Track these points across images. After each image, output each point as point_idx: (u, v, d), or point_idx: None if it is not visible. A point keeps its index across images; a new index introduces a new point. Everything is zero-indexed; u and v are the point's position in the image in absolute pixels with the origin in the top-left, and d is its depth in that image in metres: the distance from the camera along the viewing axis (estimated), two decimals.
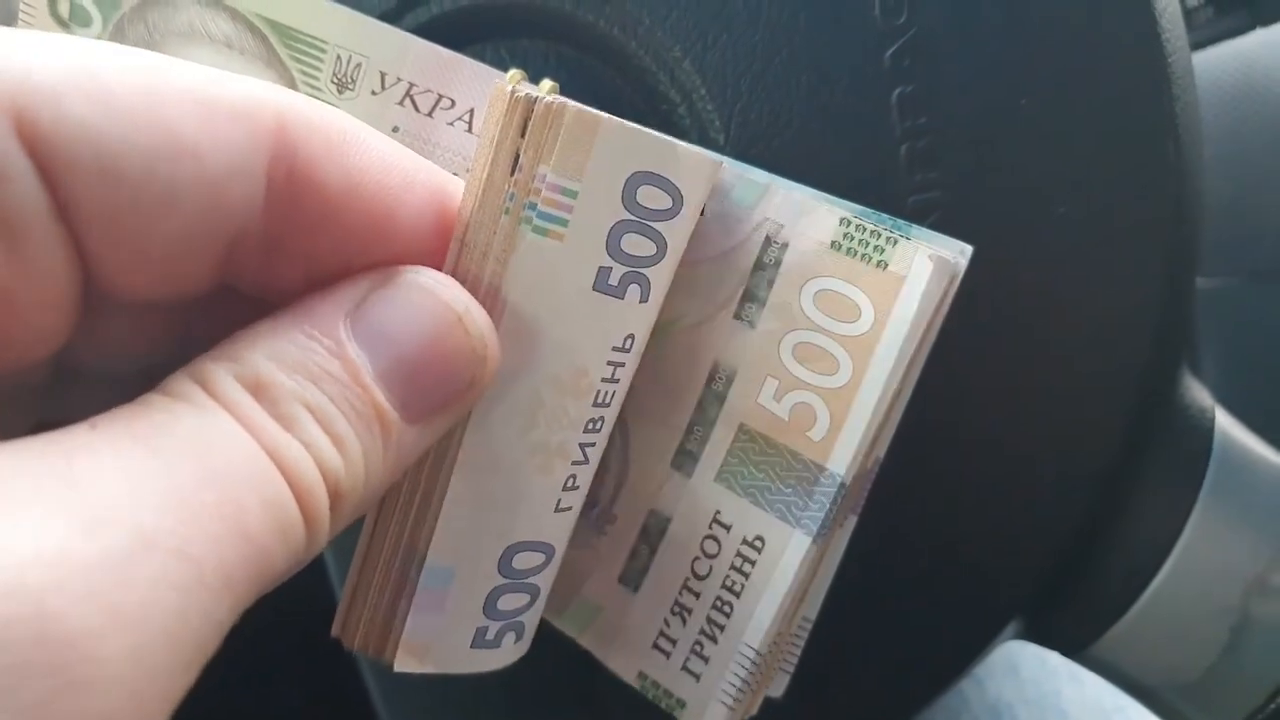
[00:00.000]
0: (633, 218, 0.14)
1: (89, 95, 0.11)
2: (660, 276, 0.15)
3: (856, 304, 0.15)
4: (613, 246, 0.14)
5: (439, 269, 0.14)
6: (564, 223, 0.14)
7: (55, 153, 0.11)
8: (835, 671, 0.21)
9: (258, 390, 0.12)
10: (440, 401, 0.13)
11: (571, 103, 0.14)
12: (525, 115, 0.14)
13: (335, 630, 0.16)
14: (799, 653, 0.19)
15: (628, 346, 0.15)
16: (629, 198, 0.14)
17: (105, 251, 0.12)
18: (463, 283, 0.14)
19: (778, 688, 0.19)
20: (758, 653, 0.16)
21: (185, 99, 0.12)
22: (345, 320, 0.13)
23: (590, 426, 0.16)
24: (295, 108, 0.13)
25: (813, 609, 0.19)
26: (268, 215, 0.13)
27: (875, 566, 0.20)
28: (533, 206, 0.14)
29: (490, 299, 0.14)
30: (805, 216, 0.16)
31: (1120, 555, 0.21)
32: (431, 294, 0.13)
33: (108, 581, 0.09)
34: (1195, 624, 0.20)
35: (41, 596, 0.09)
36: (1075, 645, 0.22)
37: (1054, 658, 0.23)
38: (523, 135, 0.14)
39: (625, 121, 0.14)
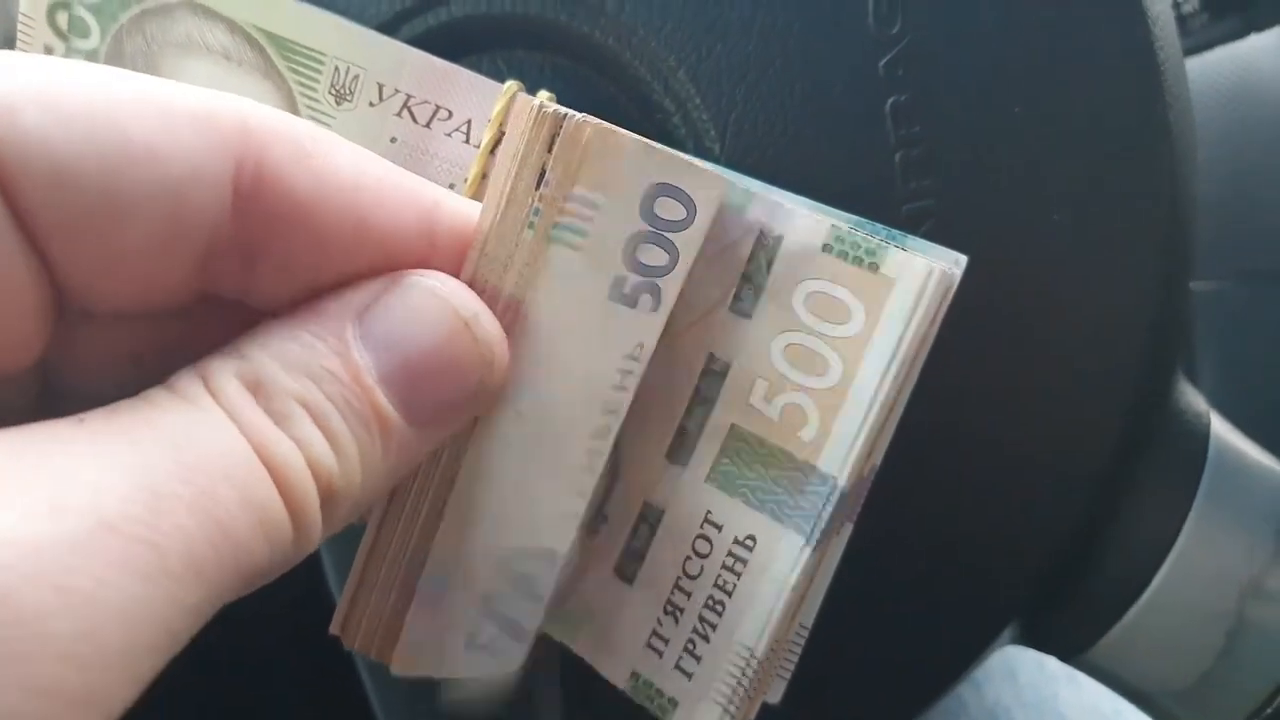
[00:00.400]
0: (649, 228, 0.15)
1: (43, 105, 0.11)
2: (671, 286, 0.15)
3: (847, 305, 0.16)
4: (628, 257, 0.15)
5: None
6: (583, 233, 0.14)
7: (11, 162, 0.11)
8: (832, 676, 0.21)
9: (256, 387, 0.12)
10: (445, 406, 0.13)
11: (594, 120, 0.14)
12: (553, 131, 0.14)
13: (334, 629, 0.16)
14: (796, 658, 0.19)
15: (637, 355, 0.16)
16: (646, 209, 0.15)
17: (70, 259, 0.12)
18: (480, 293, 0.14)
19: (775, 693, 0.19)
20: (752, 652, 0.16)
21: (141, 106, 0.12)
22: (352, 321, 0.13)
23: (598, 433, 0.16)
24: (258, 115, 0.13)
25: (809, 615, 0.19)
26: (238, 222, 0.13)
27: (872, 570, 0.20)
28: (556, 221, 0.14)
29: (511, 310, 0.14)
30: (797, 224, 0.16)
31: (1116, 560, 0.21)
32: (440, 298, 0.13)
33: (60, 563, 0.09)
34: (1191, 628, 0.21)
35: None
36: (1071, 650, 0.22)
37: (1052, 662, 0.23)
38: (549, 150, 0.14)
39: (647, 141, 0.14)
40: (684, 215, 0.15)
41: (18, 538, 0.09)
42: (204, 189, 0.12)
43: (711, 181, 0.15)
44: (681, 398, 0.17)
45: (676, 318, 0.17)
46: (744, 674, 0.17)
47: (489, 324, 0.14)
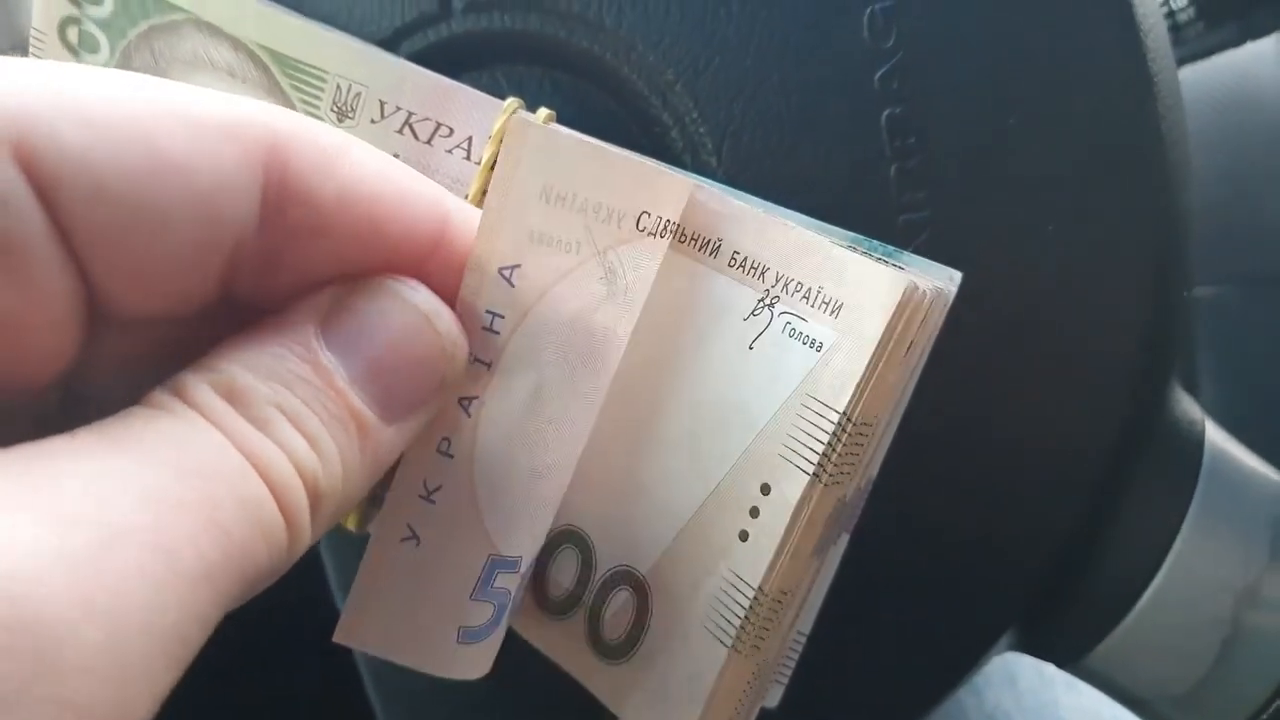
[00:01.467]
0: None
1: (83, 120, 0.11)
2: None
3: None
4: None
5: (439, 282, 0.14)
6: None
7: (52, 177, 0.11)
8: (832, 681, 0.21)
9: (231, 396, 0.12)
10: (415, 401, 0.14)
11: (552, 125, 0.14)
12: None
13: (338, 638, 0.16)
14: (794, 664, 0.19)
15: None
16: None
17: (106, 271, 0.12)
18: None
19: (773, 698, 0.19)
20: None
21: (175, 120, 0.12)
22: (316, 327, 0.13)
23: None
24: (286, 123, 0.13)
25: (807, 622, 0.19)
26: (263, 229, 0.13)
27: (870, 576, 0.20)
28: None
29: None
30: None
31: (1112, 568, 0.21)
32: (399, 297, 0.14)
33: (80, 573, 0.09)
34: (1187, 635, 0.21)
35: (12, 584, 0.09)
36: (1068, 656, 0.22)
37: (1051, 667, 0.23)
38: None
39: (587, 143, 0.15)
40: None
41: (36, 551, 0.09)
42: (234, 198, 0.12)
43: (674, 187, 0.15)
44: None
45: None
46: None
47: (448, 318, 0.14)
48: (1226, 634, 0.20)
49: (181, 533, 0.10)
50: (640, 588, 0.17)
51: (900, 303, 0.15)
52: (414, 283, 0.14)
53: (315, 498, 0.12)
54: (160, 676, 0.10)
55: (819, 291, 0.16)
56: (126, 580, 0.10)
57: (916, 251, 0.16)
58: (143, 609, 0.10)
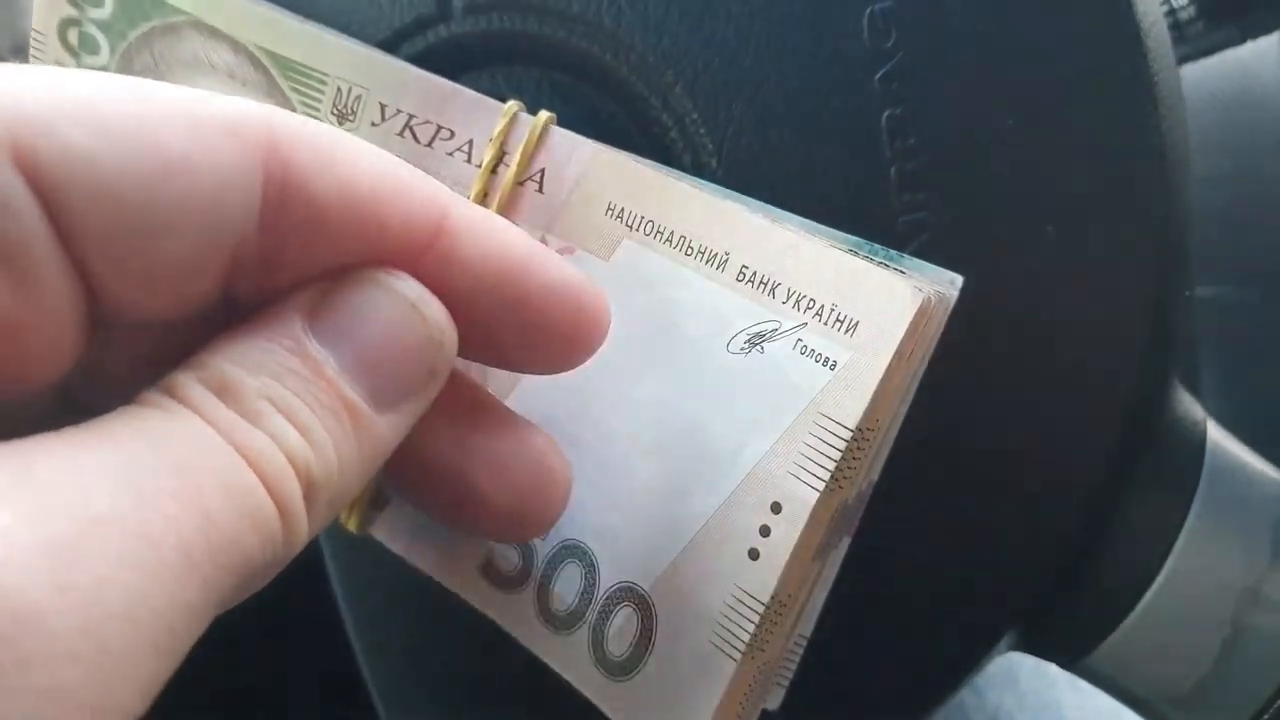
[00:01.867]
0: None
1: (82, 122, 0.11)
2: None
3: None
4: None
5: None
6: None
7: (53, 180, 0.11)
8: (832, 684, 0.21)
9: (222, 391, 0.12)
10: (406, 390, 0.14)
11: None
12: None
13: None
14: (795, 665, 0.19)
15: None
16: None
17: (108, 273, 0.12)
18: None
19: (774, 700, 0.19)
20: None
21: (176, 119, 0.12)
22: (303, 320, 0.13)
23: None
24: (285, 121, 0.13)
25: (808, 625, 0.19)
26: (263, 227, 0.13)
27: (871, 579, 0.20)
28: None
29: None
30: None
31: (1113, 569, 0.21)
32: (385, 287, 0.14)
33: (57, 561, 0.09)
34: (1188, 636, 0.21)
35: None
36: (1070, 657, 0.22)
37: (1052, 667, 0.23)
38: None
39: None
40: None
41: (11, 538, 0.09)
42: (235, 198, 0.12)
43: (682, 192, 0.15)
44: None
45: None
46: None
47: (435, 306, 0.14)
48: (1227, 634, 0.20)
49: (163, 521, 0.10)
50: (644, 604, 0.17)
51: (914, 320, 0.15)
52: (400, 273, 0.14)
53: (309, 487, 0.12)
54: (147, 665, 0.10)
55: (833, 309, 0.15)
56: (105, 566, 0.09)
57: (915, 253, 0.16)
58: (123, 595, 0.10)
